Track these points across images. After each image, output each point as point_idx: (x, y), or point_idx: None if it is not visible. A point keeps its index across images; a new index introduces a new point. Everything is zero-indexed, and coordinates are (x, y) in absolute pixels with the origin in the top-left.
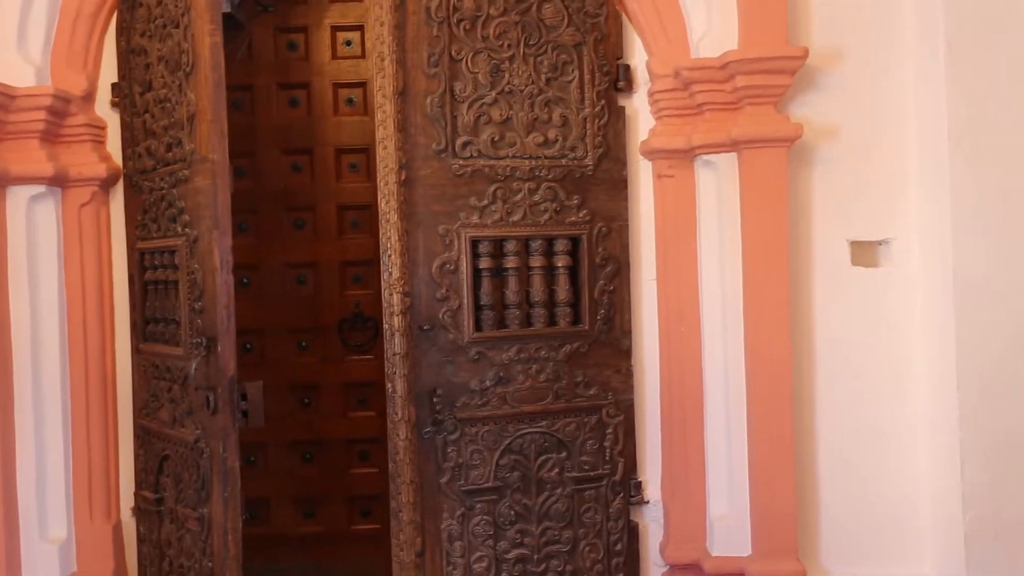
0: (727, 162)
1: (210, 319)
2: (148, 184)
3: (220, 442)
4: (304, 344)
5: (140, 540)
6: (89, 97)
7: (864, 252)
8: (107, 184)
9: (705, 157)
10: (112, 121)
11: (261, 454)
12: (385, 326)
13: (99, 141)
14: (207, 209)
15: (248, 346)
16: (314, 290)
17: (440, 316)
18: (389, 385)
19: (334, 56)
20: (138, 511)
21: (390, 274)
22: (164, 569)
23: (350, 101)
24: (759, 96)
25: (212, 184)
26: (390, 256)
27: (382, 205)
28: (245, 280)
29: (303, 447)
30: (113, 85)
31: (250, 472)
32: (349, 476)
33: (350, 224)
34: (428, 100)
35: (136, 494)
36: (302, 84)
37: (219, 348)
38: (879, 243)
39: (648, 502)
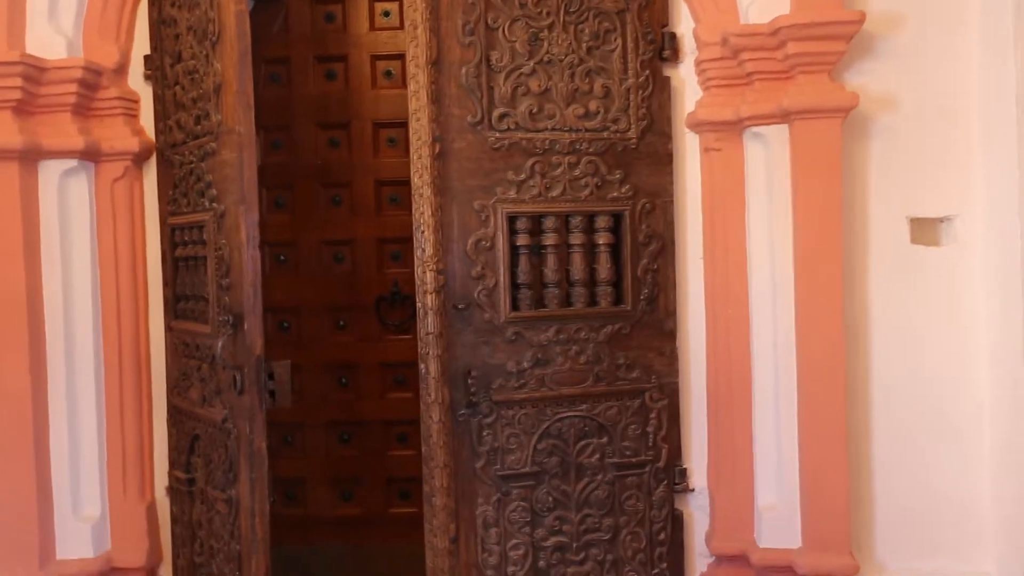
0: (778, 134)
1: (237, 296)
2: (178, 158)
3: (247, 423)
4: (342, 323)
5: (173, 520)
6: (122, 69)
7: (925, 230)
8: (140, 158)
9: (754, 129)
10: (145, 94)
11: (298, 434)
12: (418, 305)
13: (132, 114)
14: (234, 183)
15: (285, 324)
16: (351, 268)
17: (475, 295)
18: (422, 366)
19: (372, 27)
20: (171, 491)
21: (423, 251)
22: (196, 550)
23: (388, 74)
24: (812, 64)
25: (238, 157)
26: (423, 232)
27: (415, 179)
28: (282, 257)
29: (340, 428)
30: (146, 57)
31: (286, 452)
32: (387, 458)
33: (388, 200)
34: (463, 70)
35: (169, 473)
36: (339, 56)
37: (246, 326)
38: (941, 220)
39: (693, 490)
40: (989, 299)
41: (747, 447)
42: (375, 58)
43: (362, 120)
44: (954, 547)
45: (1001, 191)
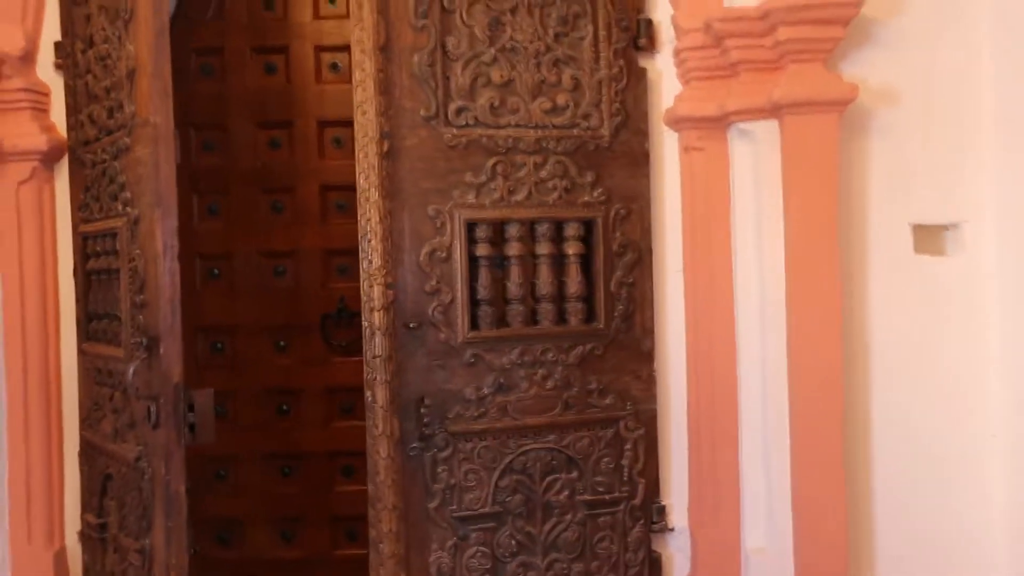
0: (767, 131)
1: (152, 315)
2: (91, 157)
3: (163, 462)
4: (282, 344)
5: (85, 570)
6: (28, 57)
7: (930, 238)
8: (50, 158)
9: (741, 125)
10: (56, 86)
11: (233, 469)
12: (364, 324)
13: (41, 109)
14: (148, 183)
15: (219, 345)
16: (293, 282)
17: (429, 312)
18: (368, 393)
19: (316, 16)
20: (83, 536)
21: (370, 262)
22: None
23: (334, 67)
24: (805, 51)
25: (154, 152)
26: (370, 241)
27: (360, 181)
28: (215, 271)
29: (280, 461)
30: (56, 44)
31: (220, 489)
32: (332, 494)
33: (335, 207)
34: (416, 58)
35: (81, 517)
36: (280, 48)
37: (162, 349)
38: (947, 227)
39: (672, 530)
40: (1001, 315)
41: (733, 481)
42: (319, 49)
43: (305, 118)
44: None
45: (1016, 194)
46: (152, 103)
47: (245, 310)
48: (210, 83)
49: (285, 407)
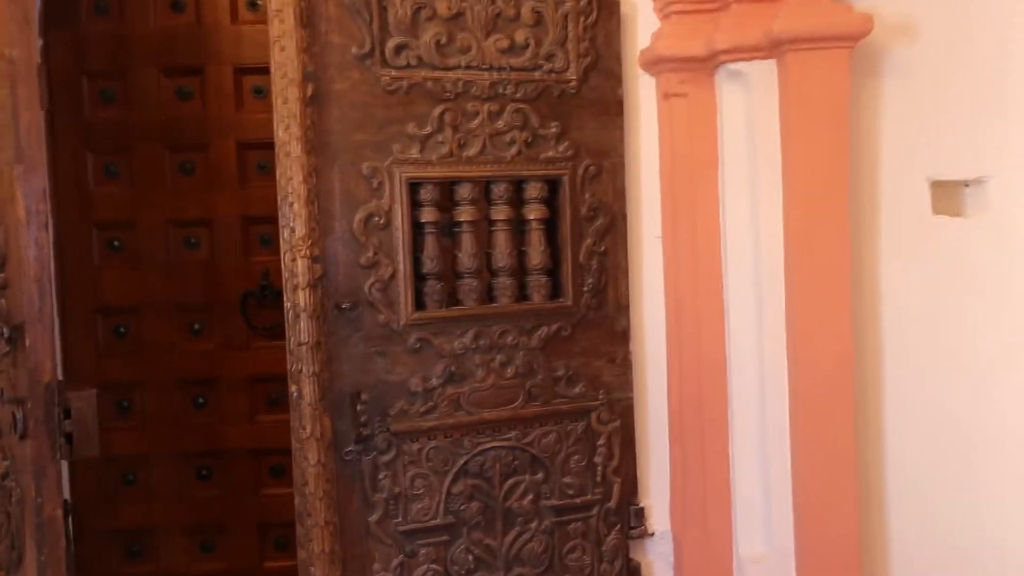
0: (763, 72)
1: (15, 298)
2: None
3: (33, 480)
4: (197, 327)
5: None
6: None
7: (950, 196)
8: None
9: (732, 66)
10: None
11: (143, 471)
12: (286, 305)
13: None
14: (6, 135)
15: (122, 329)
16: (209, 255)
17: (366, 290)
18: (293, 388)
19: None
20: None
21: (292, 231)
22: None
23: (253, 4)
24: None
25: (11, 95)
26: (291, 205)
27: (279, 132)
28: (116, 243)
29: (198, 461)
30: None
31: (129, 495)
32: (259, 497)
33: (256, 168)
34: None
35: None
36: None
37: (28, 341)
38: (970, 183)
39: (653, 535)
40: None
41: (723, 479)
42: None
43: (220, 64)
44: None
45: None
46: (7, 33)
47: (153, 288)
48: (106, 22)
49: (202, 399)
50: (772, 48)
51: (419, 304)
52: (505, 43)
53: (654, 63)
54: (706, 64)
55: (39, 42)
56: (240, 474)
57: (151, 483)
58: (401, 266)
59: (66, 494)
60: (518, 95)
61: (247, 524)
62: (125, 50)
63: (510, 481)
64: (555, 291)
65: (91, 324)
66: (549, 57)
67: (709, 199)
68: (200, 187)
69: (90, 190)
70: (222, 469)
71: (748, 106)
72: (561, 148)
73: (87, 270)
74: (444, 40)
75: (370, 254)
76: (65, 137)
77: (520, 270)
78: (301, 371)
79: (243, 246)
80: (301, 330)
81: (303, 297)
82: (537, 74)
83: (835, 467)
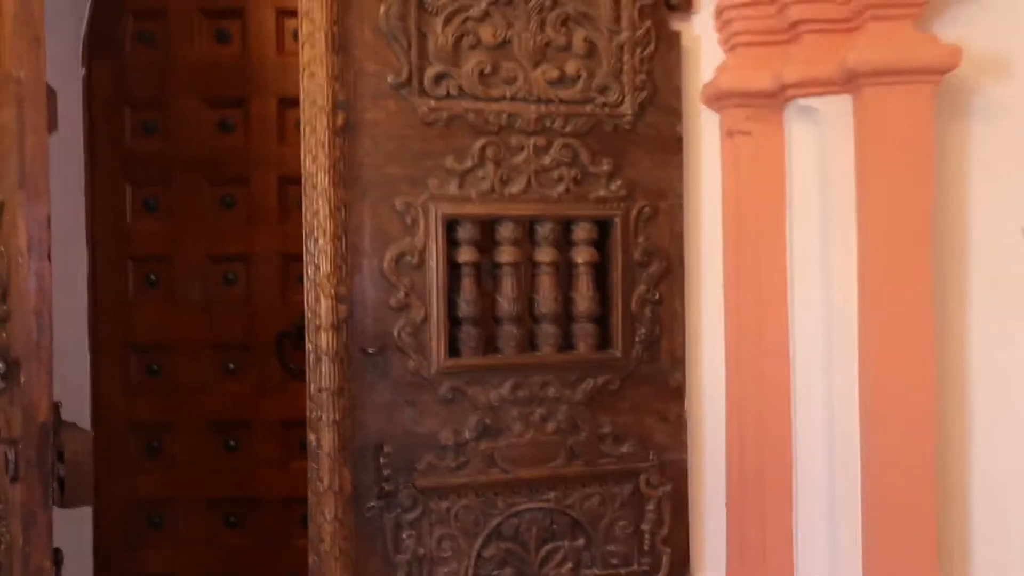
0: (836, 108)
1: (14, 331)
2: None
3: (21, 527)
4: (231, 366)
5: None
6: None
7: None
8: None
9: (802, 101)
10: None
11: (169, 515)
12: (308, 347)
13: None
14: (10, 158)
15: (155, 367)
16: (246, 292)
17: (395, 333)
18: (312, 436)
19: None
20: None
21: (316, 268)
22: None
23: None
24: (891, 5)
25: (19, 118)
26: (317, 241)
27: (306, 163)
28: (152, 277)
29: (227, 507)
30: None
31: (153, 539)
32: (289, 549)
33: (296, 203)
34: (382, 8)
35: None
36: (234, 10)
37: (23, 377)
38: None
39: None
40: None
41: (786, 553)
42: (282, 13)
43: (263, 96)
44: None
45: None
46: (15, 51)
47: (188, 325)
48: (150, 52)
49: (233, 442)
50: (847, 82)
51: (453, 351)
52: (554, 74)
53: (717, 98)
54: (774, 99)
55: (81, 71)
56: (270, 523)
57: (178, 529)
58: (434, 309)
59: (88, 537)
60: (567, 129)
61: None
62: (168, 80)
63: (547, 547)
64: (603, 341)
65: (123, 361)
66: (602, 90)
67: (776, 246)
68: (239, 222)
69: (128, 224)
70: (252, 517)
71: (820, 145)
72: (613, 187)
73: (121, 305)
74: (488, 70)
75: (401, 295)
76: (105, 168)
77: (565, 317)
78: (321, 418)
79: (281, 284)
80: (323, 374)
81: (326, 339)
82: (588, 107)
83: (913, 547)
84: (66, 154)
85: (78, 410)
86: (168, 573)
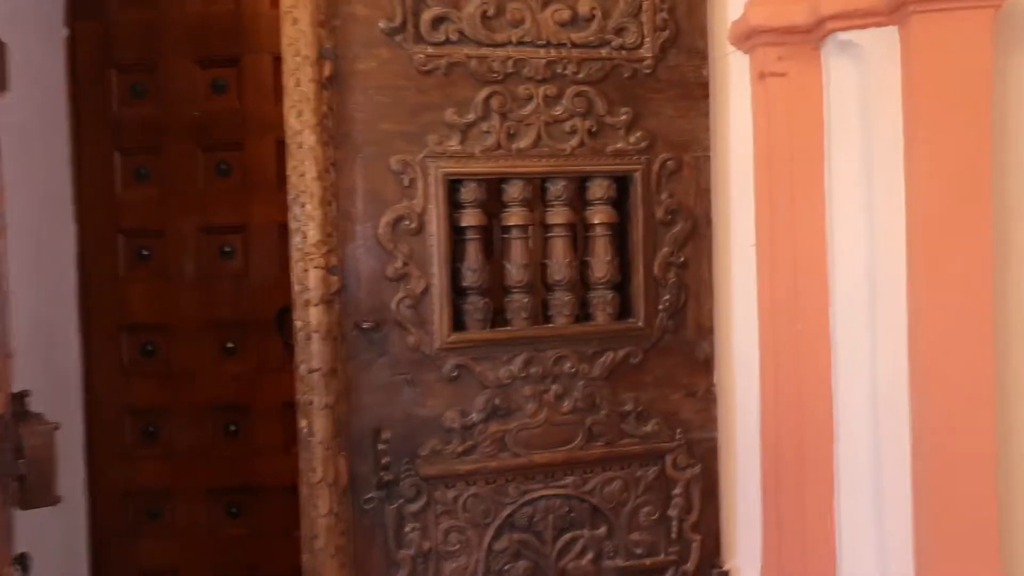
0: (881, 42)
1: None
2: None
3: None
4: (230, 346)
5: None
6: None
7: None
8: None
9: (842, 36)
10: None
11: (168, 506)
12: (297, 323)
13: None
14: None
15: (149, 348)
16: (243, 266)
17: (393, 306)
18: (303, 423)
19: None
20: None
21: (303, 236)
22: None
23: None
24: None
25: None
26: (303, 206)
27: (290, 120)
28: (144, 251)
29: (228, 496)
30: None
31: (151, 530)
32: (293, 540)
33: None
34: None
35: None
36: None
37: None
38: None
39: None
40: None
41: (827, 539)
42: None
43: (258, 53)
44: None
45: None
46: None
47: (183, 302)
48: (136, 10)
49: (233, 427)
50: (893, 11)
51: (457, 324)
52: (566, 15)
53: (747, 36)
54: (810, 35)
55: (63, 32)
56: (273, 512)
57: (177, 519)
58: (436, 279)
59: (83, 528)
60: (580, 76)
61: (280, 568)
62: (157, 40)
63: (565, 536)
64: (623, 310)
65: (115, 341)
66: (619, 31)
67: (813, 199)
68: (235, 190)
69: (117, 194)
70: (254, 506)
71: (862, 85)
72: (632, 139)
73: (112, 282)
74: (492, 12)
75: (398, 264)
76: (91, 136)
77: (581, 284)
78: (312, 403)
79: (281, 256)
80: (313, 354)
81: (316, 315)
82: (604, 51)
83: (970, 530)
84: (48, 122)
85: (68, 395)
86: (167, 565)
